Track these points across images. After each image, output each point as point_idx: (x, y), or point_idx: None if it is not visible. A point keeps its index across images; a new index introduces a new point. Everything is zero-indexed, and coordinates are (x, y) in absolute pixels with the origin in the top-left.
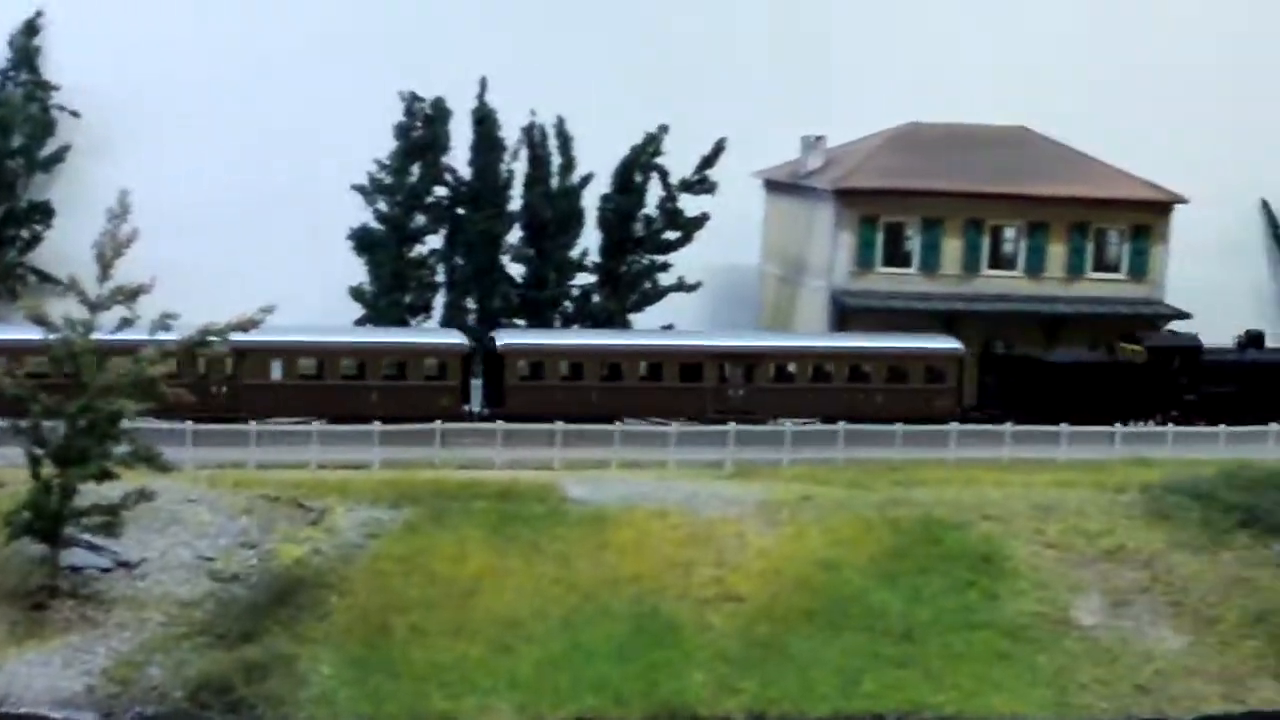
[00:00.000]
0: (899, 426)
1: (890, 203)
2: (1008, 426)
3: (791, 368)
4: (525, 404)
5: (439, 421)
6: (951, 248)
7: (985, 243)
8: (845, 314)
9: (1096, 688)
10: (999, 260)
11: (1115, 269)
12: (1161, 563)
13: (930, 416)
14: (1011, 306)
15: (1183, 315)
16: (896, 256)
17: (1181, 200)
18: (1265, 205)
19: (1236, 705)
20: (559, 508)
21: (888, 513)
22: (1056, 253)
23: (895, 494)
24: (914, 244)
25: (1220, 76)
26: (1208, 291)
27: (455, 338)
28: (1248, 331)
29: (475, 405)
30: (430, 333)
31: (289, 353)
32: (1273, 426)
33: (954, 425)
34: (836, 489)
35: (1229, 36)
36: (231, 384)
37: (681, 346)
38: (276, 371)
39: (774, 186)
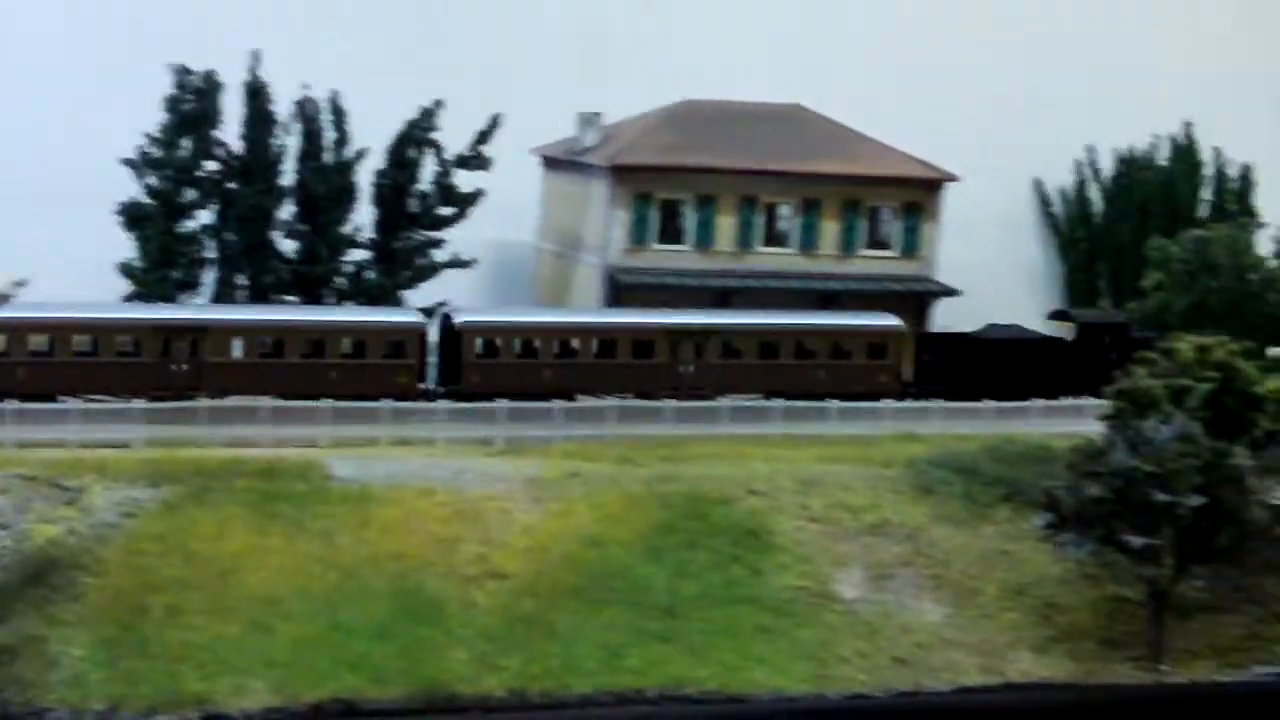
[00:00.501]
0: (668, 403)
1: (665, 180)
2: (778, 403)
3: (739, 345)
4: (481, 381)
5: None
6: (726, 225)
7: (759, 220)
8: (619, 291)
9: (857, 661)
10: (773, 237)
11: (887, 246)
12: (924, 536)
13: (873, 392)
14: (785, 284)
15: (952, 292)
16: (671, 233)
17: (952, 178)
18: (1038, 184)
19: (994, 677)
20: (323, 486)
21: (655, 488)
22: (830, 230)
23: (664, 470)
24: (689, 221)
25: (995, 56)
26: (982, 269)
27: (413, 316)
28: None
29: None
30: (388, 311)
31: (250, 331)
32: (1037, 402)
33: (776, 402)
34: (606, 465)
35: (1003, 18)
36: (194, 362)
37: (635, 324)
38: (238, 350)
39: (551, 163)
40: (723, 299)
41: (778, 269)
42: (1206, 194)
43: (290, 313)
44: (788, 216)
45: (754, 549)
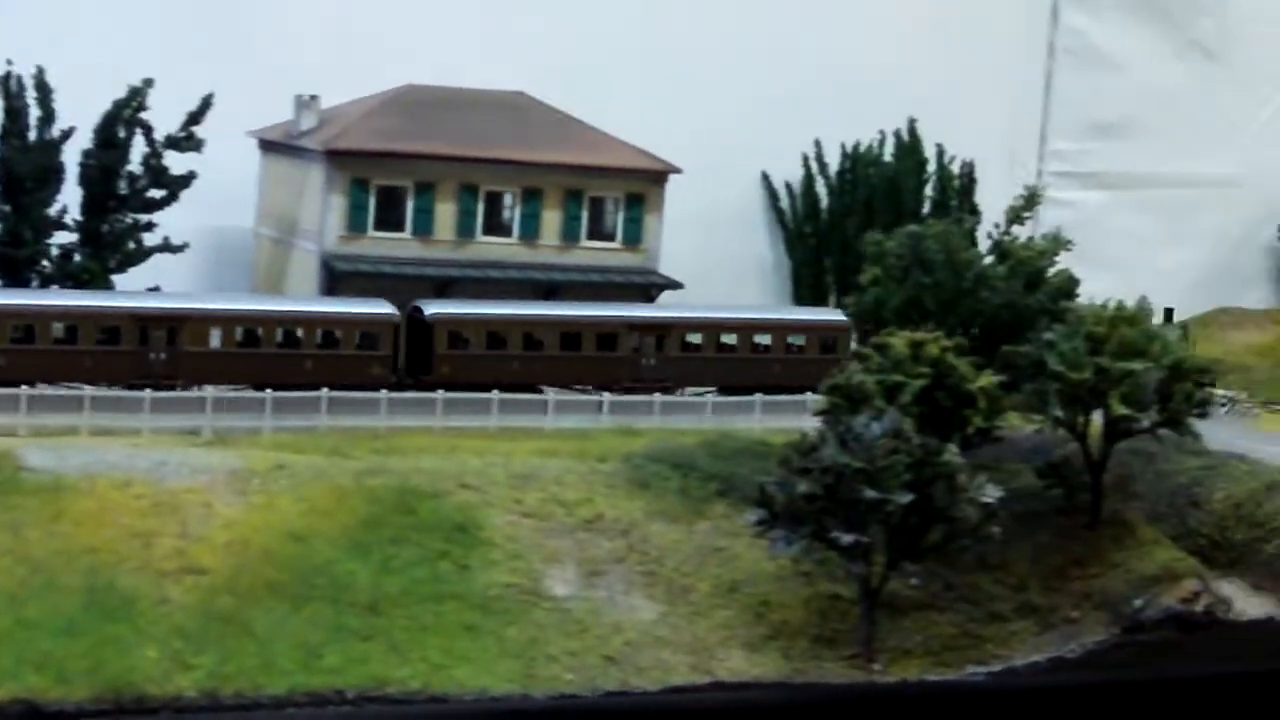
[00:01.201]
0: (383, 394)
1: (383, 165)
2: (494, 395)
3: (696, 338)
4: (452, 372)
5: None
6: (445, 213)
7: (480, 208)
8: (335, 278)
9: (565, 659)
10: (494, 226)
11: (610, 237)
12: (638, 532)
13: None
14: (506, 274)
15: (675, 285)
16: (389, 220)
17: (675, 170)
18: (766, 178)
19: (704, 676)
20: (14, 476)
21: (364, 481)
22: (552, 219)
23: (374, 462)
24: (407, 208)
25: (724, 49)
26: (710, 262)
27: (386, 308)
28: None
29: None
30: (361, 303)
31: (227, 321)
32: (758, 397)
33: (493, 395)
34: (316, 457)
35: (731, 12)
36: (171, 351)
37: (599, 317)
38: (215, 340)
39: (269, 147)
40: (442, 289)
41: (499, 259)
42: (930, 191)
43: (266, 303)
44: (509, 205)
45: (463, 544)
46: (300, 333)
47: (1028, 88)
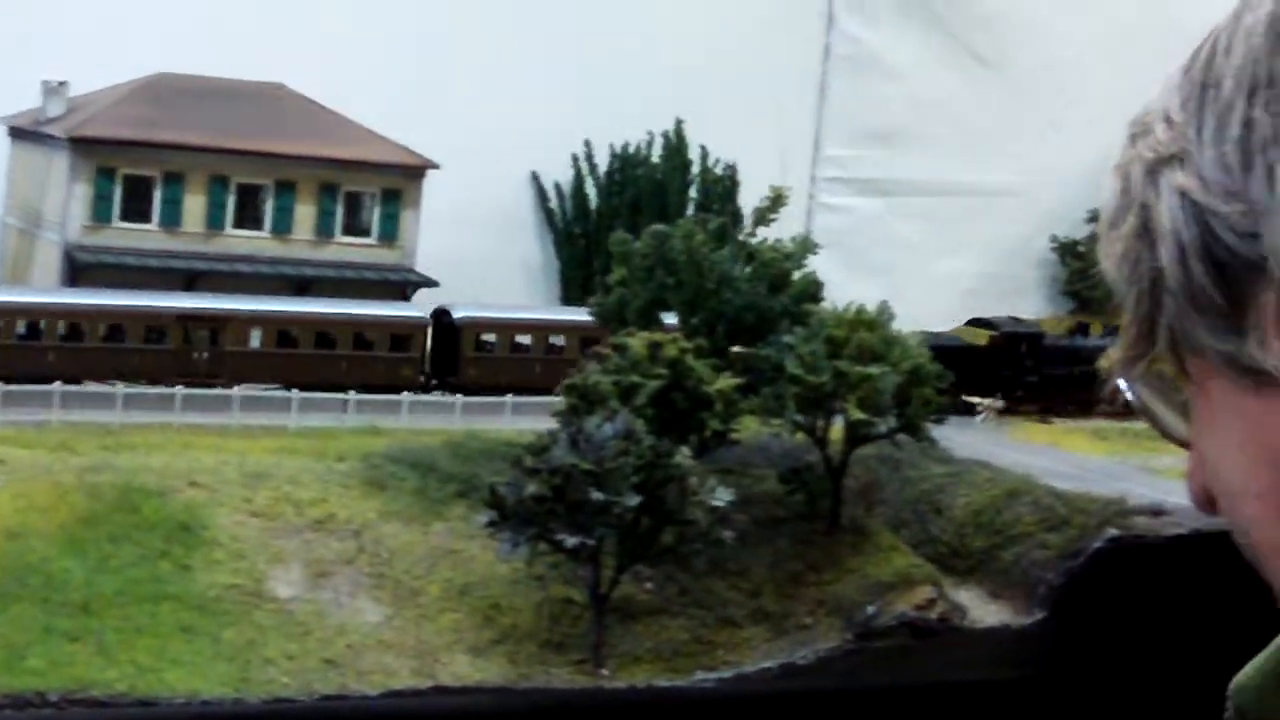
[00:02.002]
0: (118, 388)
1: (130, 154)
2: (236, 391)
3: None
4: (477, 375)
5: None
6: (195, 204)
7: (231, 200)
8: (77, 270)
9: (283, 662)
10: (245, 219)
11: (366, 233)
12: (370, 533)
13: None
14: (257, 268)
15: (431, 283)
16: (136, 211)
17: (433, 165)
18: (535, 177)
19: (426, 680)
20: None
21: (87, 478)
22: (305, 214)
23: (101, 459)
24: (155, 199)
25: (493, 45)
26: (477, 262)
27: (417, 311)
28: (1078, 321)
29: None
30: (394, 306)
31: (268, 322)
32: (509, 398)
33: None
34: (40, 453)
35: (501, 6)
36: (214, 350)
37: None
38: (255, 340)
39: (17, 134)
40: (190, 282)
41: (250, 252)
42: (695, 193)
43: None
44: (261, 198)
45: (186, 544)
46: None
47: (802, 92)
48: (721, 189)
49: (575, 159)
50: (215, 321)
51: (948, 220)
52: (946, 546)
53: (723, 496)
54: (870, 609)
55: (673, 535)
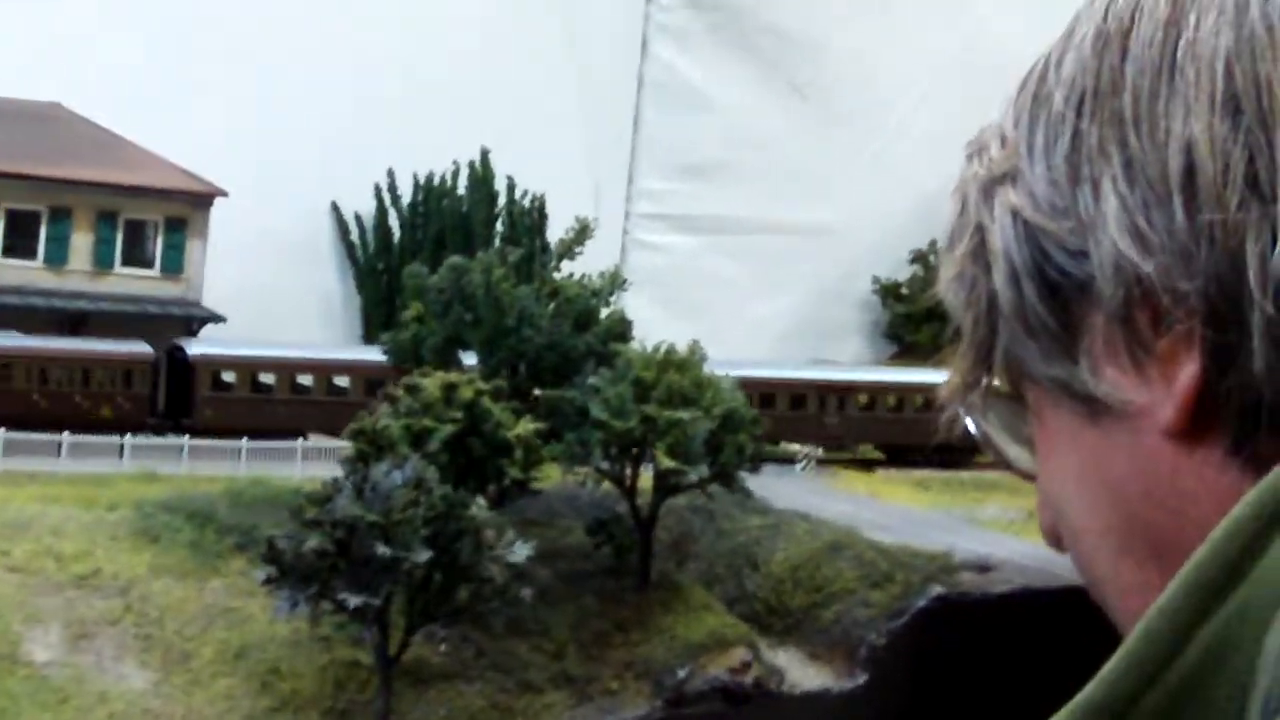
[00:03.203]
0: None
1: None
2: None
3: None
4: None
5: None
6: None
7: (0, 227)
8: None
9: None
10: (17, 248)
11: (148, 264)
12: (139, 590)
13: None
14: (28, 300)
15: (218, 318)
16: None
17: (220, 193)
18: (335, 208)
19: None
20: None
21: None
22: (82, 242)
23: None
24: None
25: (293, 70)
26: (272, 296)
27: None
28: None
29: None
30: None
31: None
32: (300, 442)
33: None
34: None
35: (302, 31)
36: None
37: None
38: None
39: None
40: None
41: (20, 284)
42: (501, 226)
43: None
44: (34, 225)
45: None
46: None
47: (615, 122)
48: (529, 221)
49: (377, 189)
50: None
51: (766, 259)
52: (763, 604)
53: (521, 552)
54: (681, 673)
55: (467, 593)
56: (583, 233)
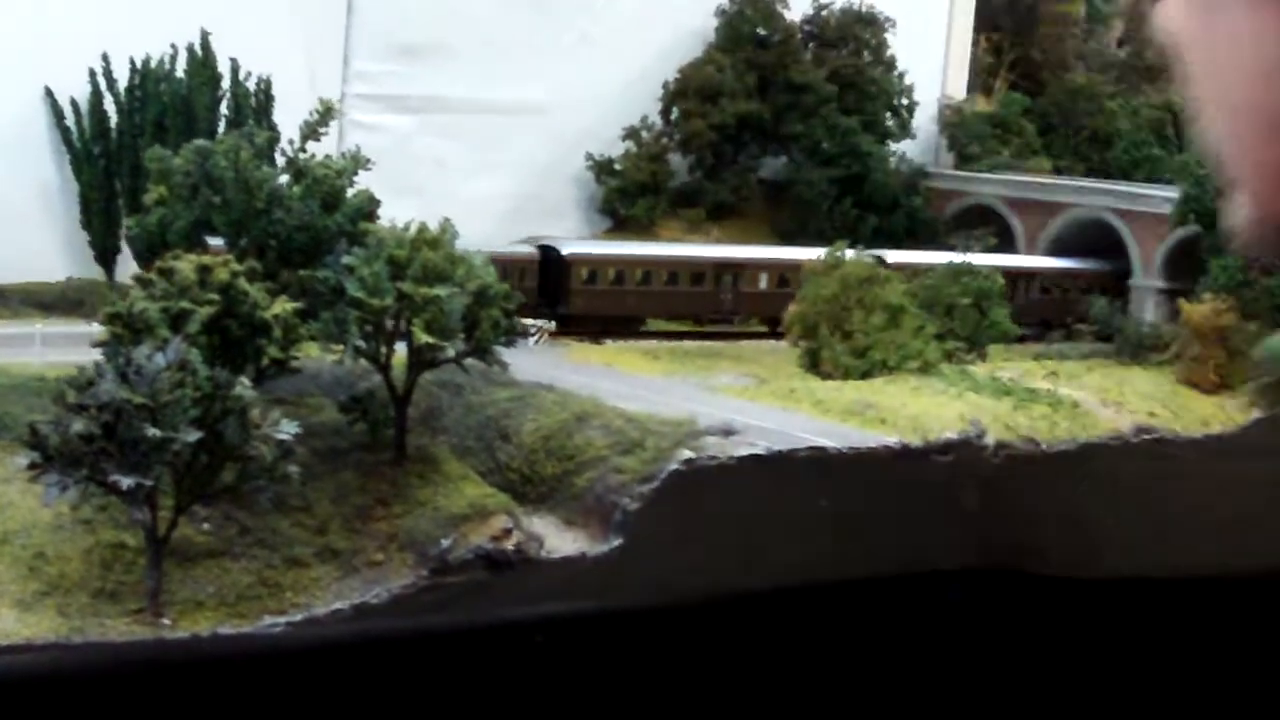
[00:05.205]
0: None
1: None
2: None
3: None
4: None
5: None
6: None
7: None
8: None
9: None
10: None
11: None
12: None
13: None
14: None
15: None
16: None
17: None
18: (49, 94)
19: None
20: None
21: None
22: None
23: None
24: None
25: None
26: None
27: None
28: None
29: None
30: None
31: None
32: (39, 327)
33: None
34: None
35: None
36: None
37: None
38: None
39: None
40: None
41: None
42: (226, 109)
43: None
44: None
45: None
46: None
47: (329, 3)
48: (255, 105)
49: (92, 74)
50: None
51: (482, 138)
52: (517, 474)
53: (287, 429)
54: (444, 542)
55: (234, 472)
56: (327, 114)
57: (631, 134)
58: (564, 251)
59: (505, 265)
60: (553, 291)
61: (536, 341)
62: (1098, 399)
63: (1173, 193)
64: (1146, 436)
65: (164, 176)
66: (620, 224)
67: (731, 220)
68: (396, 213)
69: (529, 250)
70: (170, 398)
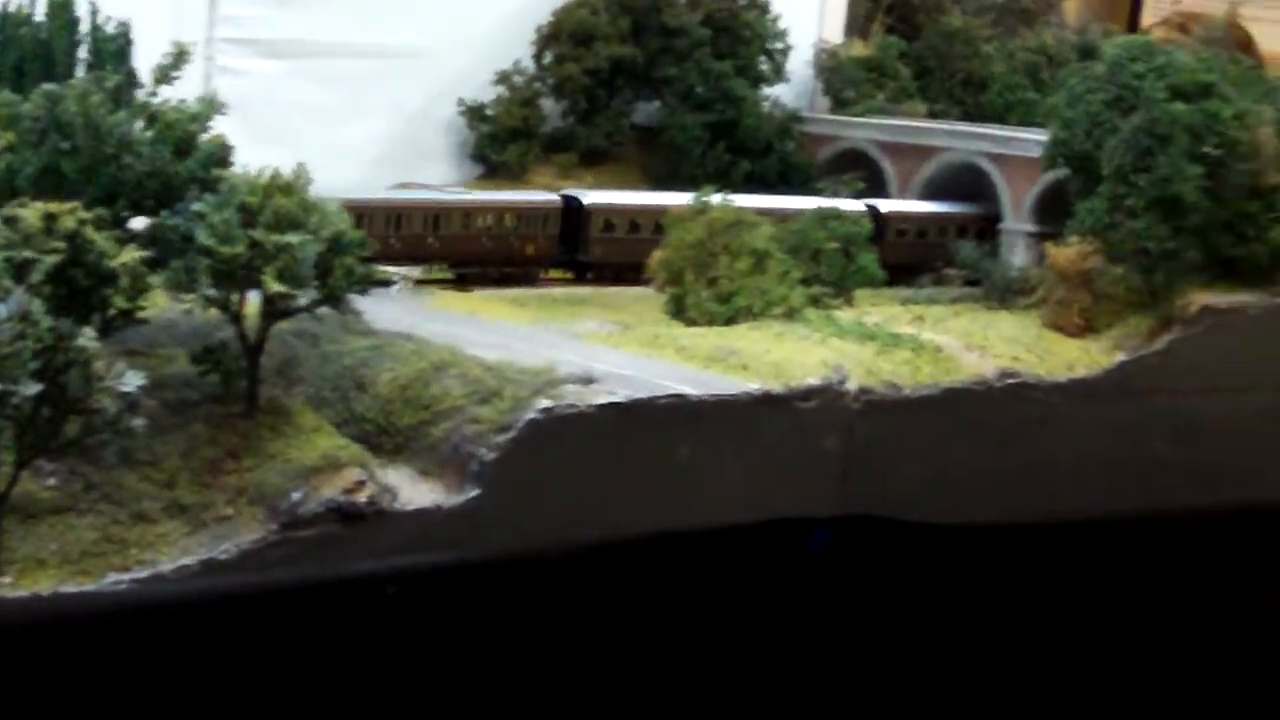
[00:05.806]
0: None
1: None
2: None
3: None
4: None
5: None
6: None
7: None
8: None
9: None
10: None
11: None
12: None
13: None
14: None
15: None
16: None
17: None
18: None
19: None
20: None
21: None
22: None
23: None
24: None
25: None
26: None
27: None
28: None
29: None
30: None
31: None
32: None
33: None
34: None
35: None
36: None
37: None
38: None
39: None
40: None
41: None
42: (85, 54)
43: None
44: None
45: None
46: None
47: None
48: (114, 49)
49: None
50: None
51: (352, 84)
52: (372, 424)
53: (133, 381)
54: (295, 495)
55: (78, 426)
56: (180, 57)
57: (503, 78)
58: (585, 201)
59: (529, 213)
60: (572, 239)
61: (399, 289)
62: (962, 343)
63: (1045, 136)
64: (1010, 381)
65: (12, 122)
66: (492, 170)
67: (605, 166)
68: (267, 159)
69: (554, 199)
70: (9, 349)
